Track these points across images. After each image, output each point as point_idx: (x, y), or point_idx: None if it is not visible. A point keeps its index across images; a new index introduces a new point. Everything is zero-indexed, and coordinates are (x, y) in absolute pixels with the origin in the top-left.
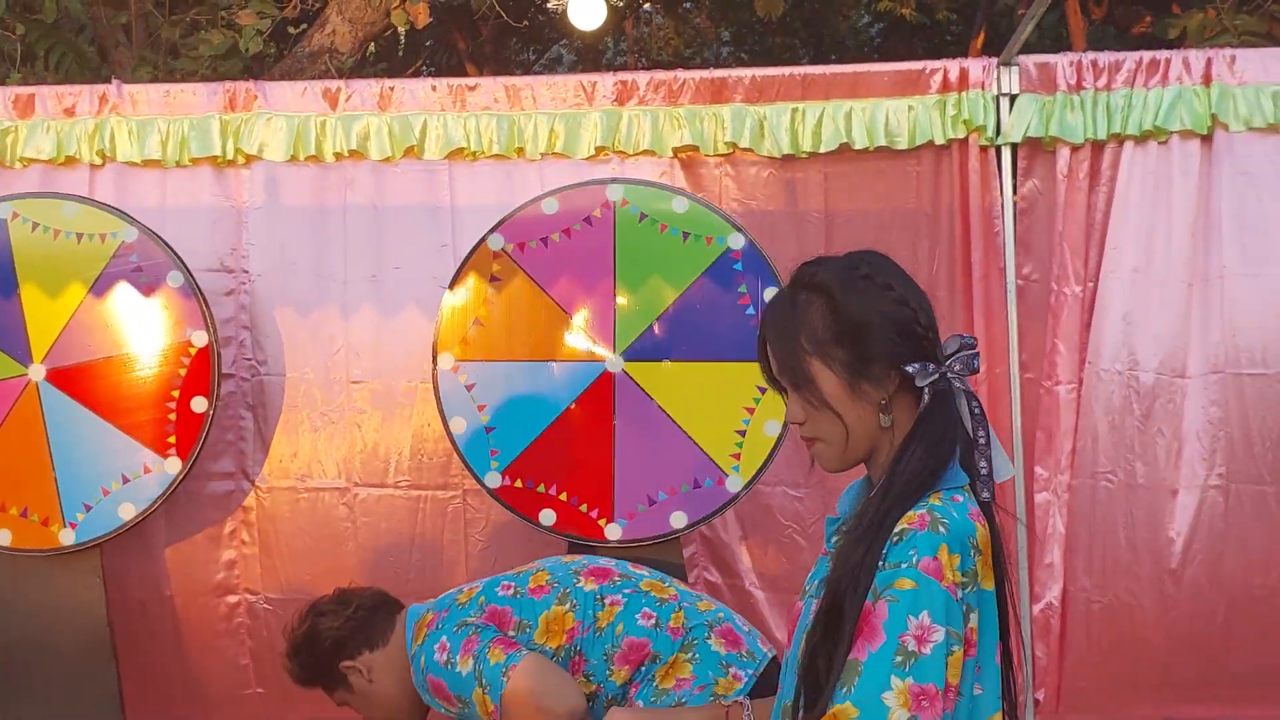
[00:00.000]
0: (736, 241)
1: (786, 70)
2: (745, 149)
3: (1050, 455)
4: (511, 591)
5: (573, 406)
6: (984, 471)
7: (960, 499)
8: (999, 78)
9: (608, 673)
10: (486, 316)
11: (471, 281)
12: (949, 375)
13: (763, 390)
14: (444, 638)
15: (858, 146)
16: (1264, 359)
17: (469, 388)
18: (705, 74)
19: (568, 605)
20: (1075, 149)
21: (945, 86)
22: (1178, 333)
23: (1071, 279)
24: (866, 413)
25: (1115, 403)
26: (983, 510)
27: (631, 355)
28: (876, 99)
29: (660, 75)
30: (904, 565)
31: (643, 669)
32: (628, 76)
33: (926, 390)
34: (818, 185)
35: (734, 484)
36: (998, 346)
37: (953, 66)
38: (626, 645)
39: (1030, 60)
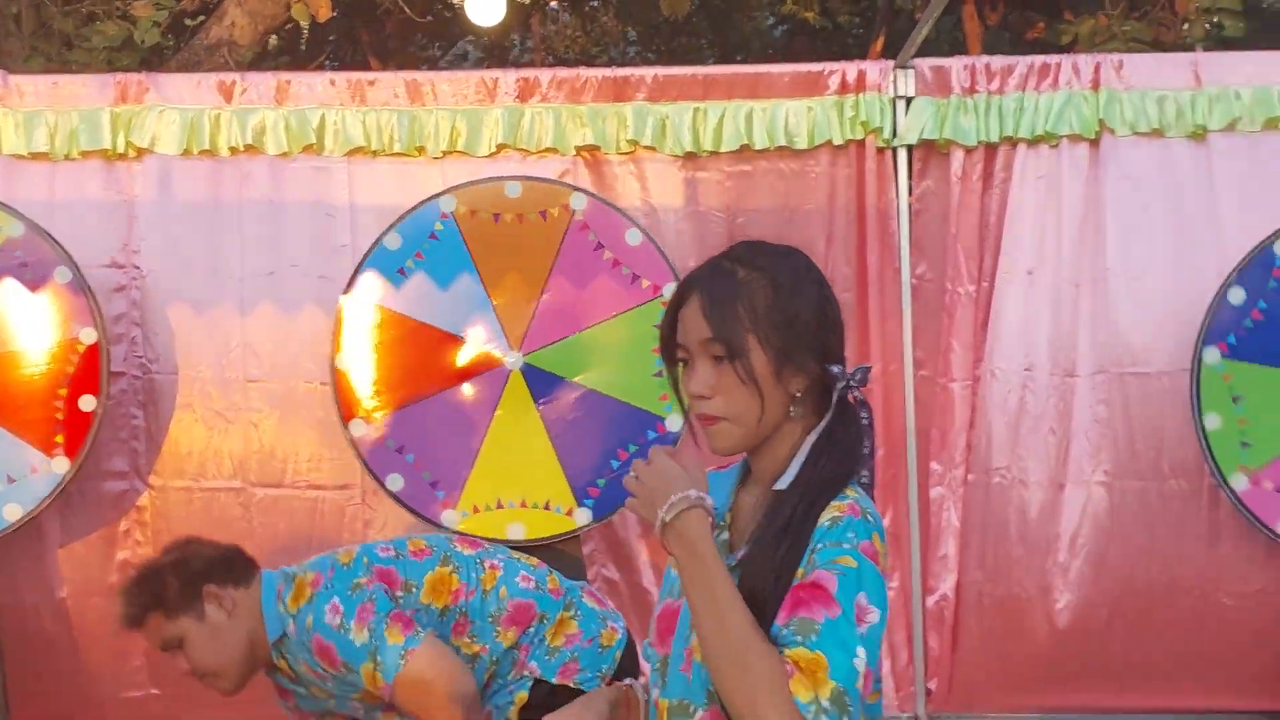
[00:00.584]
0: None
1: (689, 70)
2: (648, 147)
3: (945, 451)
4: (392, 553)
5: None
6: (865, 480)
7: (864, 493)
8: (895, 80)
9: (494, 635)
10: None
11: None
12: (852, 383)
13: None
14: (336, 599)
15: (758, 146)
16: (1145, 358)
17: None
18: (608, 72)
19: (450, 567)
20: (969, 151)
21: (844, 88)
22: (1067, 333)
23: (965, 279)
24: (782, 401)
25: (1009, 401)
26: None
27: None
28: (777, 99)
29: (563, 73)
30: (845, 545)
31: (531, 630)
32: (530, 73)
33: (835, 393)
34: (719, 184)
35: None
36: (892, 345)
37: (850, 69)
38: (512, 608)
39: (926, 64)
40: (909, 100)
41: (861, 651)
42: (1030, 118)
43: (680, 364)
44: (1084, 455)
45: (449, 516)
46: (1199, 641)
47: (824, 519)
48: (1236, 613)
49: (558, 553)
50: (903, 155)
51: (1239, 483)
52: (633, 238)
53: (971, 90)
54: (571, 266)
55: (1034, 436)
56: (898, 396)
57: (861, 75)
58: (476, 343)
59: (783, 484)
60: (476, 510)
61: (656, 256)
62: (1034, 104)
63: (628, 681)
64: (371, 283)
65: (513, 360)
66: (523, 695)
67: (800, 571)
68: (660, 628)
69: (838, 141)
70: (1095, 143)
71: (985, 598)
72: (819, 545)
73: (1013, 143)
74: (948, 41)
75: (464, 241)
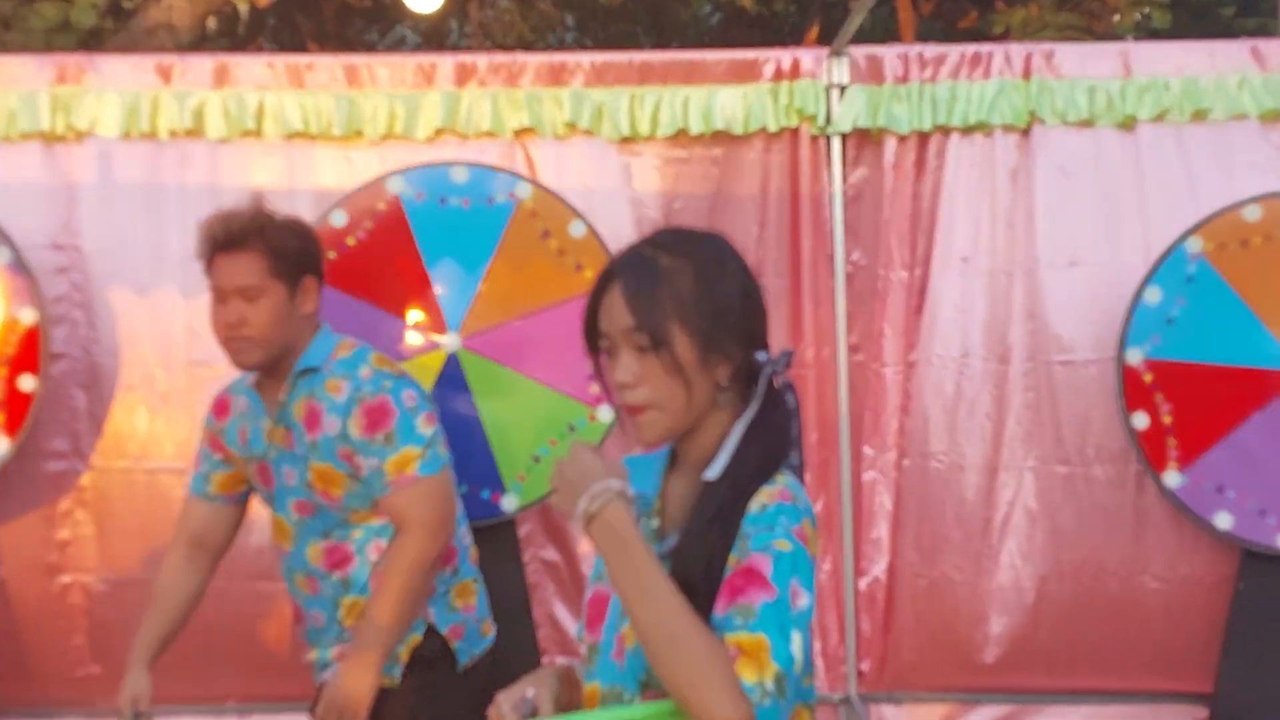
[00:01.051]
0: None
1: (625, 56)
2: (585, 131)
3: (877, 435)
4: None
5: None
6: (795, 463)
7: (796, 480)
8: (830, 68)
9: None
10: None
11: None
12: (776, 368)
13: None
14: (413, 391)
15: (694, 132)
16: (1072, 346)
17: None
18: (545, 57)
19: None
20: (902, 139)
21: (778, 75)
22: (1000, 320)
23: (898, 264)
24: (708, 389)
25: (945, 387)
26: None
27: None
28: (712, 86)
29: (500, 58)
30: (778, 530)
31: (444, 574)
32: (468, 58)
33: (761, 379)
34: (654, 169)
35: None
36: (825, 330)
37: (785, 56)
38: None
39: (860, 52)
40: (843, 88)
41: (797, 635)
42: (963, 106)
43: (603, 353)
44: (1015, 441)
45: None
46: (1126, 624)
47: (754, 505)
48: (1163, 596)
49: None
50: (836, 143)
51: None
52: (576, 229)
53: (905, 79)
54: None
55: (968, 422)
56: (830, 381)
57: (796, 63)
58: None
59: (712, 474)
60: None
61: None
62: (966, 93)
63: (569, 661)
64: None
65: (451, 342)
66: (417, 639)
67: (733, 558)
68: (590, 614)
69: (772, 129)
70: (1026, 132)
71: (917, 580)
72: (750, 531)
73: (945, 131)
74: (882, 30)
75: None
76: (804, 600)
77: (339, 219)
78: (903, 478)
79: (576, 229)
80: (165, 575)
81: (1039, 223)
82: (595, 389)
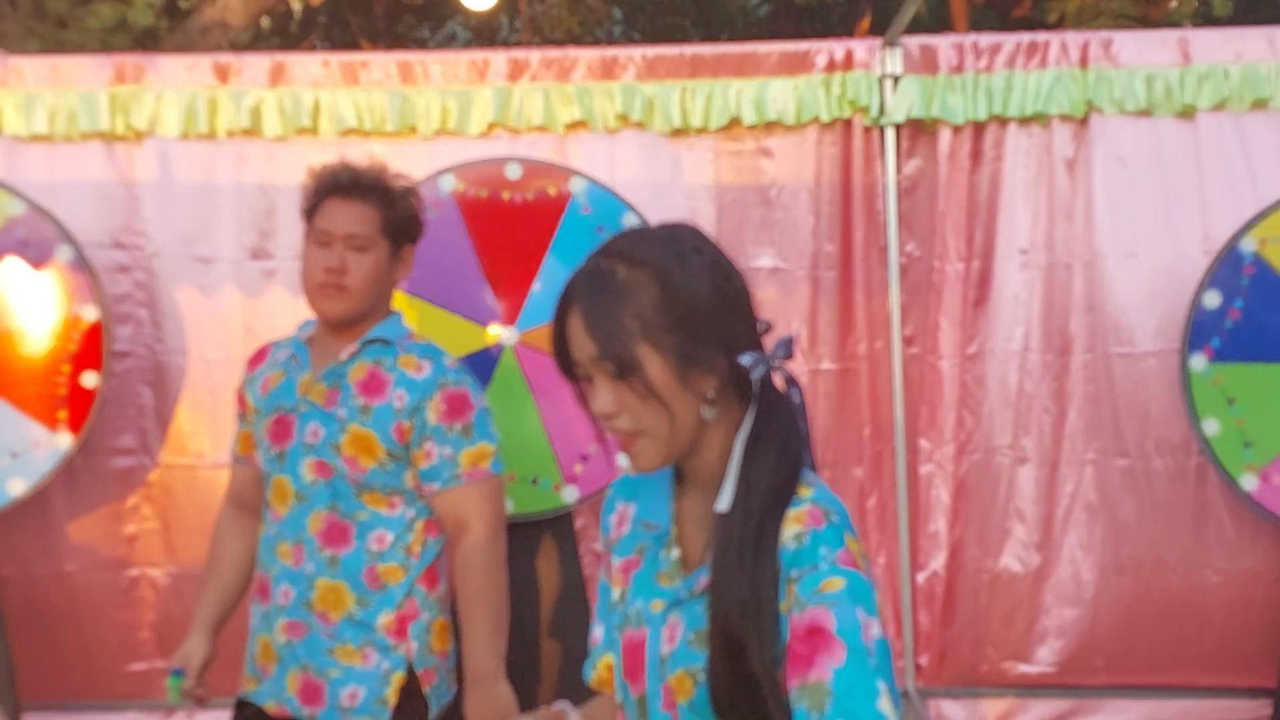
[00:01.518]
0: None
1: (676, 49)
2: (637, 123)
3: (934, 428)
4: None
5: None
6: (808, 464)
7: (819, 481)
8: (883, 59)
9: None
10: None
11: None
12: (773, 364)
13: None
14: (482, 391)
15: (746, 124)
16: (1131, 338)
17: None
18: (596, 52)
19: None
20: (957, 130)
21: (830, 67)
22: (1059, 312)
23: (953, 256)
24: (692, 405)
25: (1005, 380)
26: None
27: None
28: (764, 78)
29: (552, 53)
30: (823, 565)
31: (429, 599)
32: (520, 54)
33: (755, 382)
34: (707, 161)
35: None
36: (879, 323)
37: (838, 47)
38: (436, 566)
39: (913, 42)
40: (896, 79)
41: (881, 685)
42: (1019, 96)
43: (583, 380)
44: (1076, 433)
45: None
46: (1187, 619)
47: (787, 538)
48: (1224, 590)
49: None
50: (890, 134)
51: (1249, 483)
52: (631, 222)
53: (959, 69)
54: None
55: (1027, 414)
56: (884, 374)
57: (849, 54)
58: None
59: (722, 505)
60: None
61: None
62: (1023, 83)
63: (560, 708)
64: None
65: (508, 337)
66: (400, 677)
67: (784, 605)
68: (628, 664)
69: (825, 119)
70: (1084, 122)
71: (977, 574)
72: (793, 574)
73: (1002, 121)
74: (935, 20)
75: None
76: (875, 630)
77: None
78: (961, 471)
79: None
80: (215, 540)
81: (1097, 214)
82: None
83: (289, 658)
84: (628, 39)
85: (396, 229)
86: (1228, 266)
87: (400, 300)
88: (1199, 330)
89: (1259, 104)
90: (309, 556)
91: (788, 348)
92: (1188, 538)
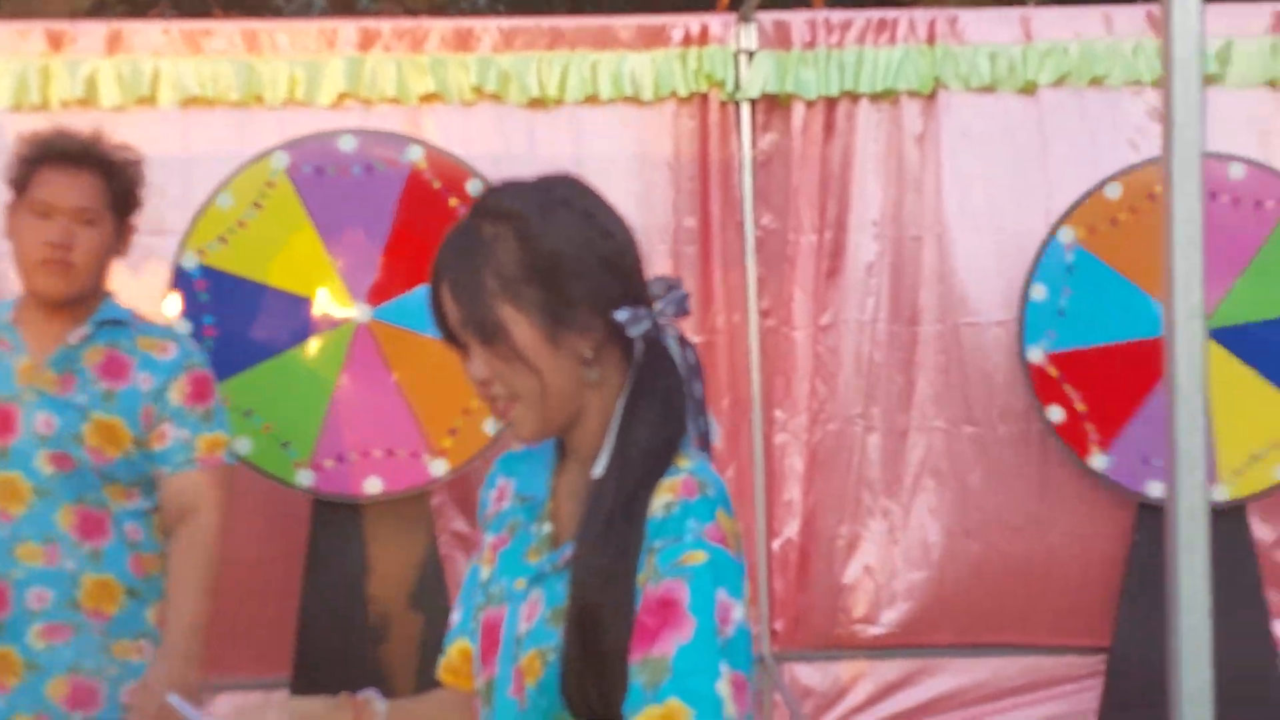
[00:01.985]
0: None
1: (533, 20)
2: (492, 95)
3: (789, 399)
4: None
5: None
6: (703, 429)
7: (697, 456)
8: (738, 34)
9: None
10: None
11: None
12: (660, 321)
13: None
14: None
15: (604, 97)
16: (978, 308)
17: None
18: (450, 23)
19: None
20: (810, 105)
21: (687, 41)
22: (909, 284)
23: (807, 229)
24: (568, 367)
25: (858, 349)
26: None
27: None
28: (621, 51)
29: (405, 23)
30: (687, 538)
31: None
32: (371, 23)
33: (639, 340)
34: (565, 135)
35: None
36: (736, 295)
37: (694, 22)
38: None
39: (767, 18)
40: (751, 54)
41: (725, 669)
42: (870, 72)
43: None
44: (925, 402)
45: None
46: (1031, 580)
47: (656, 506)
48: (1066, 552)
49: None
50: (745, 108)
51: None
52: (473, 188)
53: (812, 44)
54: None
55: (877, 384)
56: (742, 346)
57: (705, 29)
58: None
59: (598, 469)
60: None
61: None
62: (873, 59)
63: (365, 696)
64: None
65: (360, 313)
66: None
67: (641, 577)
68: (484, 646)
69: (682, 94)
70: (932, 97)
71: (829, 541)
72: (656, 544)
73: (853, 97)
74: None
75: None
76: (736, 612)
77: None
78: (814, 440)
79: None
80: None
81: (945, 187)
82: None
83: (50, 664)
84: (492, 10)
85: (122, 203)
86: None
87: None
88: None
89: (1096, 80)
90: (67, 554)
91: (679, 304)
92: (1032, 502)
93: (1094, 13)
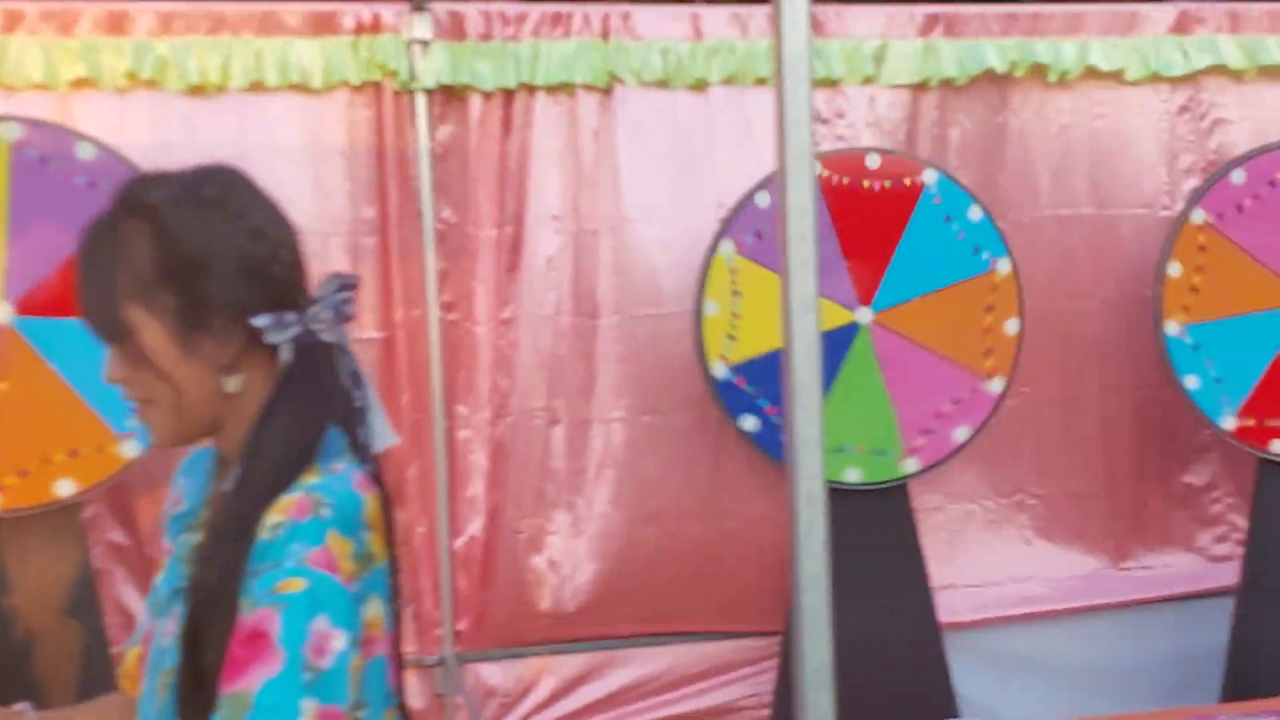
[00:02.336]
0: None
1: (192, 5)
2: (148, 82)
3: (471, 394)
4: None
5: None
6: (363, 440)
7: (342, 468)
8: (410, 24)
9: None
10: None
11: None
12: (314, 327)
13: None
14: None
15: (270, 84)
16: (655, 299)
17: None
18: (103, 5)
19: None
20: (487, 97)
21: (359, 29)
22: (589, 277)
23: (486, 223)
24: (204, 374)
25: (539, 343)
26: (372, 477)
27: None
28: (288, 38)
29: (52, 5)
30: (287, 563)
31: None
32: (14, 4)
33: (287, 347)
34: (229, 124)
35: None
36: (415, 289)
37: (365, 10)
38: None
39: (441, 8)
40: (425, 43)
41: (310, 704)
42: (545, 65)
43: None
44: (605, 393)
45: None
46: (708, 566)
47: (265, 527)
48: (740, 537)
49: None
50: (421, 99)
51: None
52: (85, 151)
53: (488, 36)
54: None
55: (559, 377)
56: (422, 341)
57: (376, 17)
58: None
59: (227, 483)
60: None
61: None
62: (548, 52)
63: (22, 707)
64: None
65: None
66: None
67: (244, 604)
68: (143, 655)
69: (355, 83)
70: (608, 91)
71: (515, 536)
72: (259, 568)
73: (530, 90)
74: None
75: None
76: (337, 643)
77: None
78: (497, 434)
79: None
80: None
81: (622, 181)
82: None
83: None
84: None
85: None
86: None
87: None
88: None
89: (761, 80)
90: None
91: (339, 308)
92: (708, 488)
93: (759, 12)
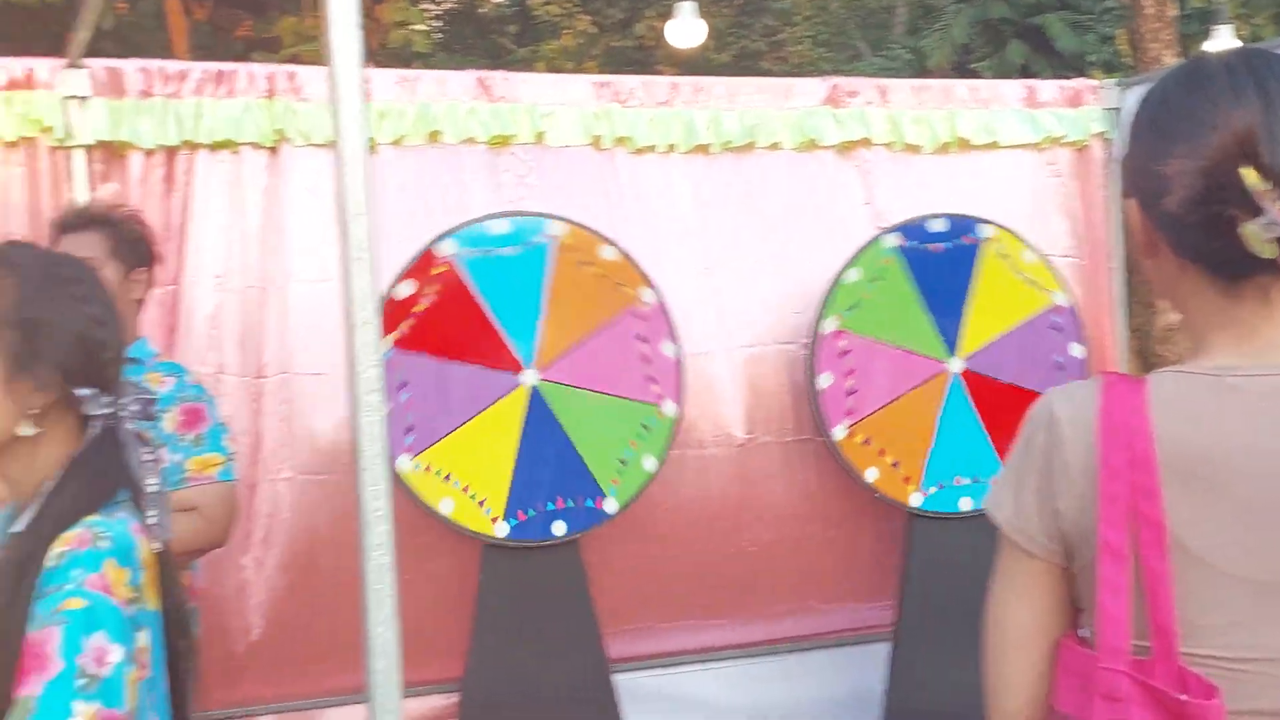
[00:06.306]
0: None
1: None
2: None
3: None
4: None
5: None
6: (153, 520)
7: (122, 514)
8: (66, 79)
9: None
10: None
11: None
12: (122, 415)
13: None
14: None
15: None
16: (317, 362)
17: None
18: None
19: None
20: (149, 154)
21: (12, 85)
22: (255, 336)
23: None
24: (8, 411)
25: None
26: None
27: None
28: None
29: None
30: (68, 586)
31: None
32: None
33: (95, 422)
34: None
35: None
36: None
37: (18, 65)
38: None
39: (98, 64)
40: (83, 99)
41: (82, 706)
42: (210, 123)
43: None
44: (271, 455)
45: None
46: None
47: (50, 557)
48: (415, 588)
49: None
50: (80, 156)
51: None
52: None
53: (149, 93)
54: None
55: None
56: None
57: (30, 73)
58: None
59: (18, 525)
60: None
61: None
62: (213, 110)
63: None
64: None
65: None
66: None
67: (33, 623)
68: None
69: (9, 138)
70: (274, 150)
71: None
72: (45, 591)
73: (193, 147)
74: (157, 33)
75: None
76: (112, 657)
77: None
78: None
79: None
80: None
81: (291, 240)
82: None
83: None
84: None
85: (125, 251)
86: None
87: None
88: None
89: (434, 137)
90: None
91: (145, 406)
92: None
93: (430, 76)
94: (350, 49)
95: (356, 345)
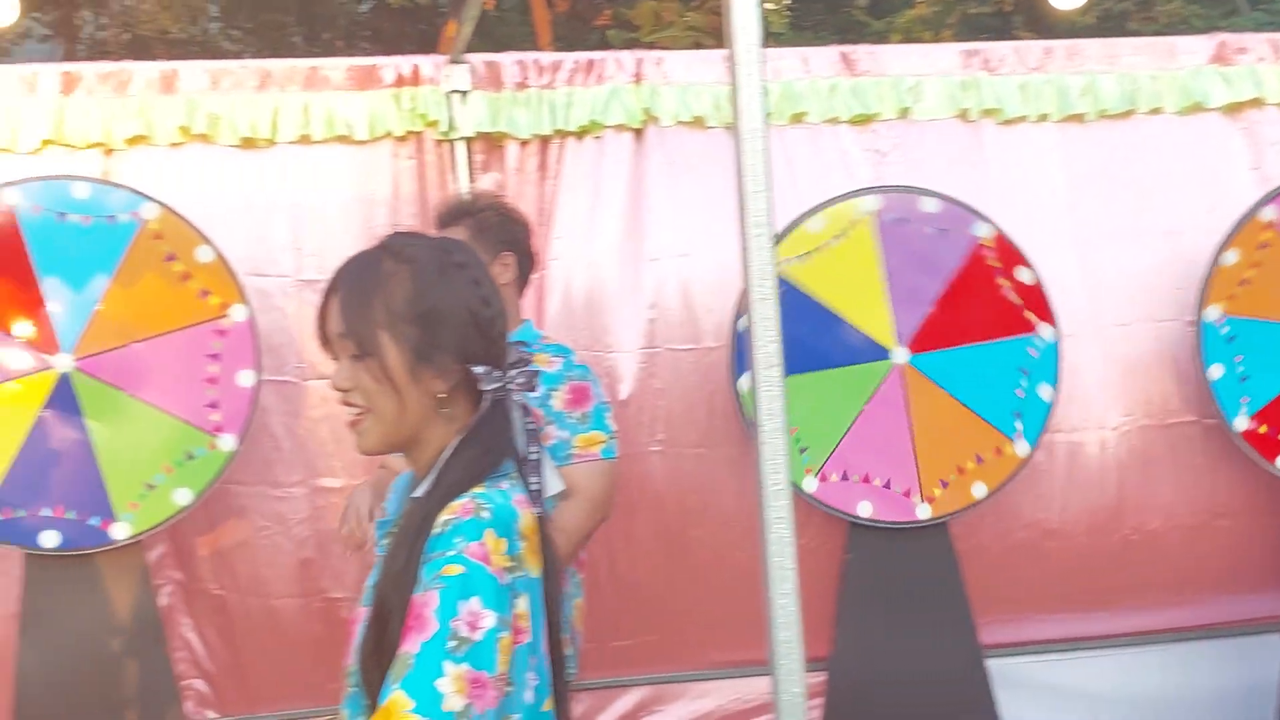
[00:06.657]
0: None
1: (239, 63)
2: (200, 136)
3: None
4: None
5: None
6: (535, 487)
7: (505, 485)
8: (449, 75)
9: None
10: None
11: None
12: (509, 386)
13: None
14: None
15: (317, 138)
16: (694, 335)
17: None
18: (155, 65)
19: None
20: (524, 143)
21: (399, 82)
22: (615, 310)
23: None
24: (422, 399)
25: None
26: (532, 503)
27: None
28: (333, 91)
29: (106, 66)
30: (450, 553)
31: None
32: (72, 67)
33: (487, 396)
34: (278, 175)
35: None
36: None
37: (405, 63)
38: None
39: (478, 59)
40: (464, 93)
41: (452, 668)
42: (578, 111)
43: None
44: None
45: None
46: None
47: (438, 524)
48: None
49: None
50: (461, 147)
51: (810, 485)
52: (204, 254)
53: (524, 85)
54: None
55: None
56: None
57: (416, 69)
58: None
59: (419, 491)
60: None
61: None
62: (582, 97)
63: None
64: None
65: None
66: None
67: (419, 585)
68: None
69: (398, 133)
70: (640, 132)
71: None
72: (431, 556)
73: (563, 135)
74: (522, 27)
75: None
76: (485, 622)
77: None
78: None
79: (204, 254)
80: None
81: (655, 216)
82: (215, 417)
83: None
84: (225, 36)
85: (488, 240)
86: None
87: None
88: (742, 354)
89: (798, 118)
90: None
91: (530, 379)
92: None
93: (791, 53)
94: (750, 30)
95: (755, 320)
